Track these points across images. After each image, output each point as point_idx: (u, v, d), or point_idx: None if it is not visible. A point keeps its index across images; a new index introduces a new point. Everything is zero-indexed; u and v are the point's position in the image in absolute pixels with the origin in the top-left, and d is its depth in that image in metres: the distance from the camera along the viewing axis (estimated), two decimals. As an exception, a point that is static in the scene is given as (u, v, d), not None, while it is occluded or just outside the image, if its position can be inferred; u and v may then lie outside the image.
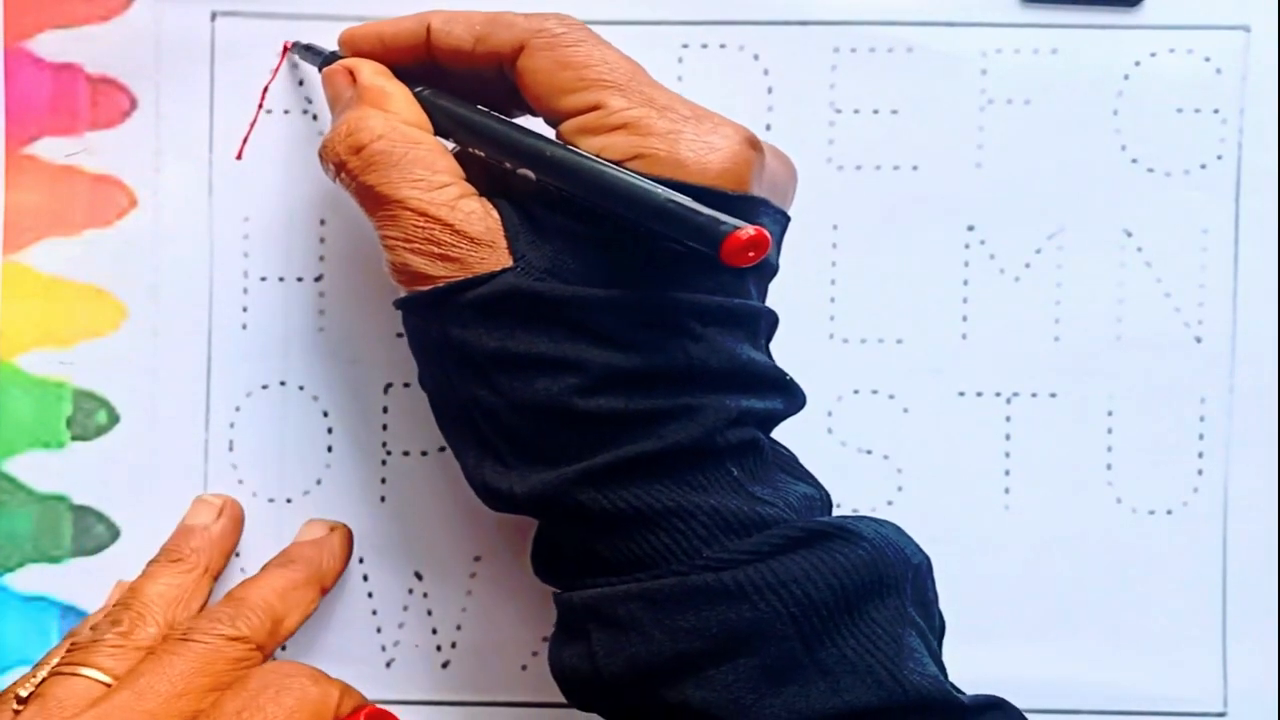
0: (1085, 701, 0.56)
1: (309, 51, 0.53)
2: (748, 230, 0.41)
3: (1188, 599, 0.57)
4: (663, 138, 0.45)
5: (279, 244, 0.55)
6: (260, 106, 0.55)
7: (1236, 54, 0.56)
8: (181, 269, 0.55)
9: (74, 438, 0.55)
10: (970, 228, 0.56)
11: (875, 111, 0.56)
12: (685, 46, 0.56)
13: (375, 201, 0.47)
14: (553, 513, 0.46)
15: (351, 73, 0.49)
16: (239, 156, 0.55)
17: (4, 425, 0.55)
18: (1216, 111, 0.56)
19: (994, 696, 0.46)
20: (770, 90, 0.56)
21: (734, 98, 0.56)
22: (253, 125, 0.55)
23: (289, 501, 0.56)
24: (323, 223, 0.55)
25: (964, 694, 0.45)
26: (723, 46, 0.56)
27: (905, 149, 0.56)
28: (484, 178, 0.48)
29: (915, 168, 0.56)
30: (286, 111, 0.55)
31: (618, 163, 0.45)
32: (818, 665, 0.43)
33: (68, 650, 0.49)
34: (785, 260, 0.55)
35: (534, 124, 0.49)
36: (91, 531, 0.55)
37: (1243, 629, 0.57)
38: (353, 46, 0.51)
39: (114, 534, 0.55)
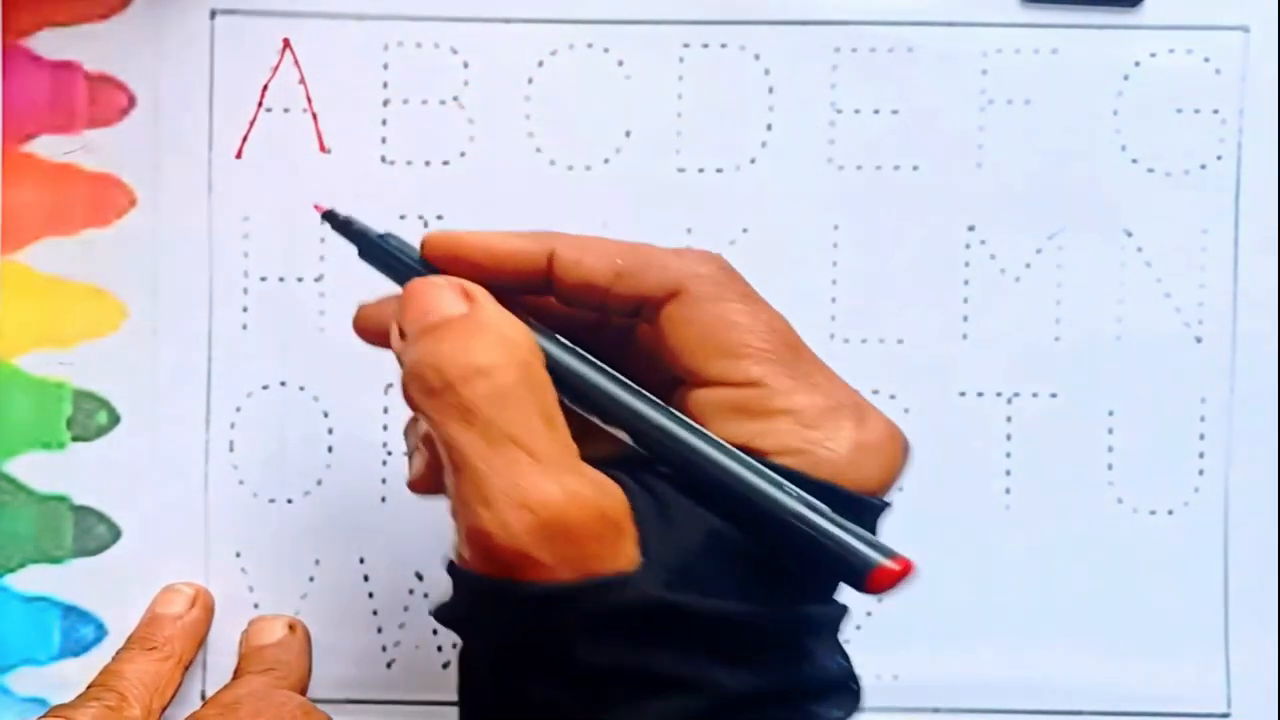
0: (1088, 702, 0.56)
1: (349, 228, 0.45)
2: (894, 566, 0.37)
3: (1190, 599, 0.57)
4: (832, 436, 0.39)
5: (279, 243, 0.55)
6: (260, 105, 0.55)
7: (1236, 54, 0.56)
8: (181, 268, 0.55)
9: (74, 438, 0.55)
10: (971, 227, 0.56)
11: (876, 111, 0.56)
12: (686, 46, 0.56)
13: (482, 445, 0.37)
14: None
15: (467, 294, 0.40)
16: (239, 155, 0.55)
17: (4, 426, 0.55)
18: (1216, 112, 0.56)
19: None
20: (771, 90, 0.56)
21: (735, 98, 0.56)
22: (252, 124, 0.55)
23: (289, 502, 0.56)
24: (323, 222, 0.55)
25: None
26: (723, 46, 0.56)
27: (906, 149, 0.56)
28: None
29: (916, 168, 0.56)
30: (286, 110, 0.55)
31: (771, 455, 0.39)
32: None
33: (50, 710, 0.49)
34: (784, 260, 0.56)
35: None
36: (93, 532, 0.55)
37: (1245, 629, 0.57)
38: (448, 252, 0.42)
39: (115, 534, 0.55)
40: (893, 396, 0.56)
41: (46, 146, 0.55)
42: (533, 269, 0.41)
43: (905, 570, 0.37)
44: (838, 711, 0.41)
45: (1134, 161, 0.56)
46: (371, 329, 0.45)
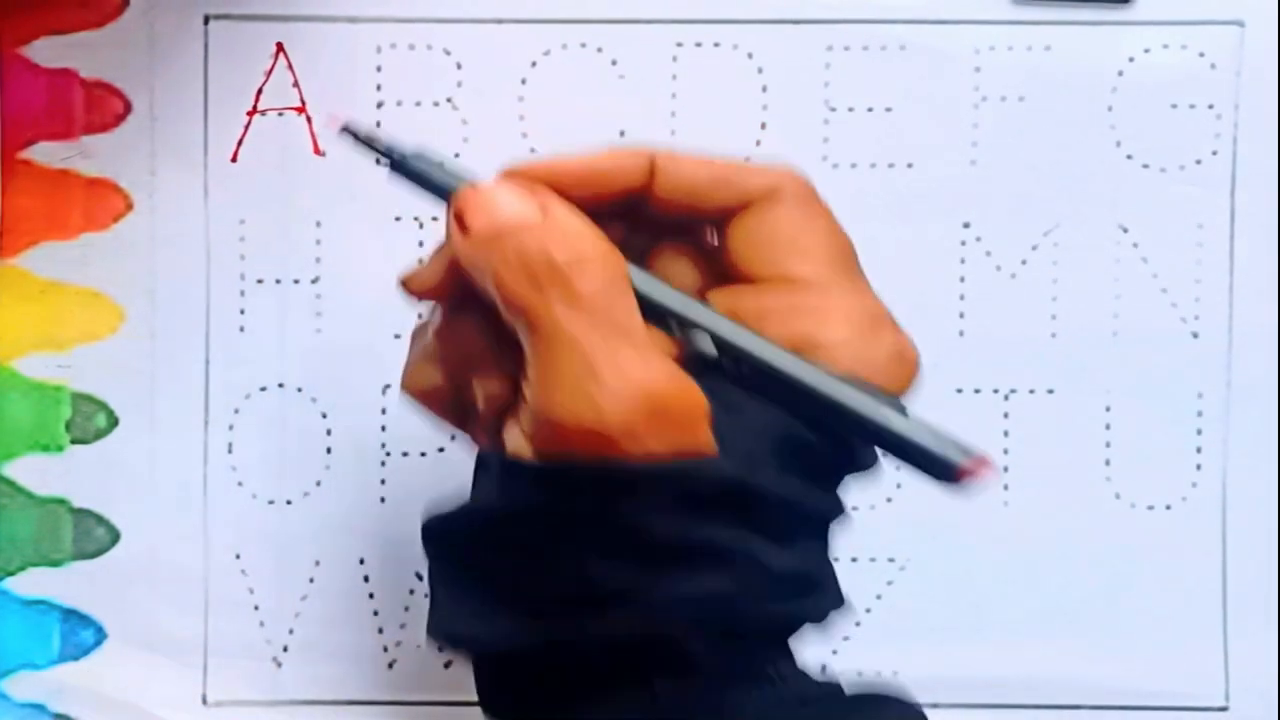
0: (1088, 697, 0.56)
1: (371, 145, 0.44)
2: (978, 463, 0.41)
3: (1188, 594, 0.57)
4: (878, 342, 0.43)
5: (275, 246, 0.55)
6: (254, 108, 0.55)
7: (1231, 49, 0.56)
8: (178, 272, 0.55)
9: (73, 441, 0.55)
10: (966, 225, 0.56)
11: (870, 109, 0.56)
12: (679, 45, 0.56)
13: (589, 329, 0.39)
14: None
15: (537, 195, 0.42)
16: (234, 159, 0.55)
17: (3, 429, 0.55)
18: (1211, 107, 0.56)
19: None
20: (765, 89, 0.56)
21: (728, 97, 0.56)
22: (247, 127, 0.55)
23: (289, 503, 0.56)
24: (319, 224, 0.55)
25: None
26: (716, 45, 0.56)
27: (900, 147, 0.56)
28: None
29: (910, 165, 0.56)
30: (280, 113, 0.55)
31: (821, 355, 0.42)
32: None
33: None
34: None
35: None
36: (92, 534, 0.55)
37: (1244, 623, 0.57)
38: (542, 180, 0.42)
39: (115, 537, 0.55)
40: (890, 394, 0.56)
41: (44, 153, 0.55)
42: (632, 182, 0.43)
43: (984, 463, 0.41)
44: (829, 606, 0.43)
45: (1129, 157, 0.56)
46: (426, 285, 0.44)
